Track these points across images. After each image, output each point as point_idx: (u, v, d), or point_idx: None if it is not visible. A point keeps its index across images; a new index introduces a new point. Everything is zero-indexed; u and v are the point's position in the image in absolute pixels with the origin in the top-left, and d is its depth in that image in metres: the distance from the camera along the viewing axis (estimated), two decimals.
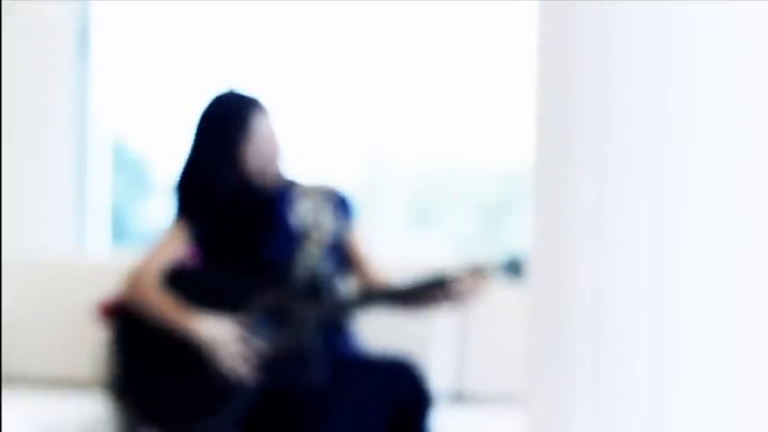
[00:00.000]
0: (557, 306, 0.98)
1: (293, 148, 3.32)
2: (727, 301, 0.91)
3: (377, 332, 3.20)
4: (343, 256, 3.17)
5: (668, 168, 0.91)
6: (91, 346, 3.57)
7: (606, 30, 0.90)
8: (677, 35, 0.89)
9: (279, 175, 3.14)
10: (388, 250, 3.37)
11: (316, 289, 3.02)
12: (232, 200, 3.10)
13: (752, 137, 0.92)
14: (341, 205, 3.20)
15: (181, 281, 3.08)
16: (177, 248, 3.12)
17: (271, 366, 2.94)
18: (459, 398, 3.52)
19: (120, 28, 4.60)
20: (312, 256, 3.08)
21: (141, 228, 4.85)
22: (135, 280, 3.09)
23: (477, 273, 2.98)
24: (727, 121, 0.91)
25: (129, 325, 3.13)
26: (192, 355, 2.98)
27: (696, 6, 0.90)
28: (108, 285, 3.53)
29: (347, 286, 3.19)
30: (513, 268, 2.96)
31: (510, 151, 4.15)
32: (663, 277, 0.92)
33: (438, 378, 3.38)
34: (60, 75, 4.39)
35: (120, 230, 4.79)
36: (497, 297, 3.16)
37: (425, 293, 2.98)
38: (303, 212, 3.15)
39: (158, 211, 4.81)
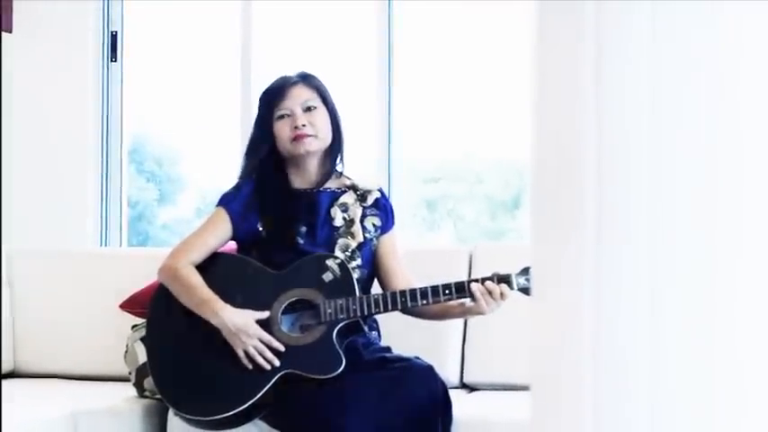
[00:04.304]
0: (558, 303, 0.96)
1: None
2: (726, 303, 0.91)
3: (389, 330, 3.21)
4: (374, 257, 3.16)
5: (667, 170, 0.90)
6: (112, 338, 3.63)
7: (603, 28, 0.90)
8: (675, 34, 0.89)
9: (312, 155, 3.12)
10: (401, 246, 3.34)
11: (345, 285, 2.98)
12: (272, 189, 3.10)
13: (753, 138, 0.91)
14: (381, 207, 3.20)
15: (215, 266, 3.07)
16: (215, 234, 3.10)
17: (291, 359, 2.93)
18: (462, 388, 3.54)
19: (149, 28, 4.63)
20: (346, 254, 3.07)
21: (166, 226, 4.86)
22: (170, 259, 3.07)
23: (499, 281, 2.94)
24: (725, 122, 0.91)
25: (157, 314, 3.12)
26: (216, 344, 2.96)
27: (691, 6, 0.90)
28: (128, 279, 3.58)
29: (374, 286, 3.18)
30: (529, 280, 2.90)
31: (520, 146, 4.14)
32: (663, 274, 0.91)
33: (450, 374, 3.43)
34: (89, 75, 4.42)
35: (145, 228, 4.85)
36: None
37: (448, 300, 2.96)
38: (343, 209, 3.14)
39: (184, 210, 4.89)
